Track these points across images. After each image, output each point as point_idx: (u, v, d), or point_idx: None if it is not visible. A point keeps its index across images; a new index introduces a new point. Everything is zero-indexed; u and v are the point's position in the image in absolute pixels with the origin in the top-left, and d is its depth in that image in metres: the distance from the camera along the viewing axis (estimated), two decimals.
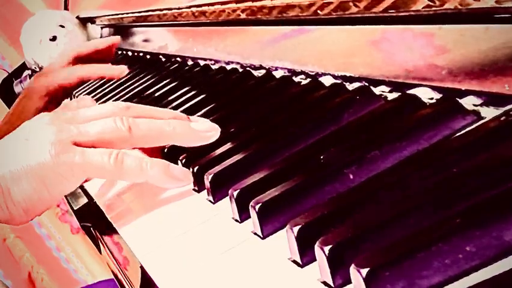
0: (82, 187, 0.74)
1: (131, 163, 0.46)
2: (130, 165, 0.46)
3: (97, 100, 0.96)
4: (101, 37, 1.38)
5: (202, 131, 0.50)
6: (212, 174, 0.47)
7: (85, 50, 0.94)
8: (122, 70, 0.88)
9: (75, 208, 0.76)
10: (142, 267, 0.47)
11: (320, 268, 0.32)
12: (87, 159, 0.46)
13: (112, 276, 0.53)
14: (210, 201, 0.47)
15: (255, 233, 0.40)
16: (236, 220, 0.42)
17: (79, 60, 0.92)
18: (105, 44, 0.95)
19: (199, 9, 0.74)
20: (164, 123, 0.49)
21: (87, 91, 1.07)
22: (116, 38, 0.96)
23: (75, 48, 0.95)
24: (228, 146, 0.51)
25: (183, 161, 0.52)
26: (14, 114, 0.93)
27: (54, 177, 0.47)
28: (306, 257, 0.34)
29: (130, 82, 0.94)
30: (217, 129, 0.51)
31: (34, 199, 0.48)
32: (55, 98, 0.91)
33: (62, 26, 1.34)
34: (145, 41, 1.09)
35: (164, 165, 0.46)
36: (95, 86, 1.08)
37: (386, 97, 0.47)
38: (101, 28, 1.37)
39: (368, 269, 0.27)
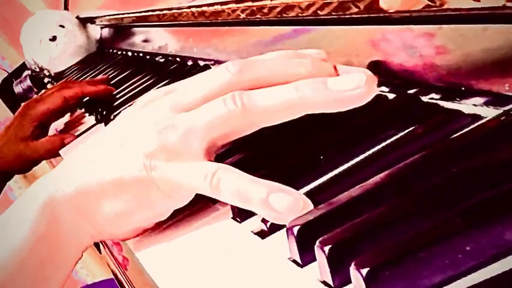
0: None
1: (227, 189, 0.37)
2: (226, 191, 0.37)
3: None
4: (100, 37, 1.38)
5: (344, 90, 0.37)
6: None
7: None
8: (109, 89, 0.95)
9: None
10: None
11: (320, 268, 0.32)
12: (178, 179, 0.39)
13: (112, 276, 0.53)
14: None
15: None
16: (236, 220, 0.42)
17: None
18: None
19: (199, 9, 0.74)
20: (290, 90, 0.38)
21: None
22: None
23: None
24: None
25: None
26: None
27: (155, 195, 0.40)
28: (306, 256, 0.34)
29: (130, 82, 0.94)
30: (369, 81, 0.36)
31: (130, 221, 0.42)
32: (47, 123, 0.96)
33: (62, 26, 1.34)
34: (145, 41, 1.09)
35: (264, 192, 0.35)
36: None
37: (386, 97, 0.47)
38: (101, 28, 1.37)
39: (368, 269, 0.27)
